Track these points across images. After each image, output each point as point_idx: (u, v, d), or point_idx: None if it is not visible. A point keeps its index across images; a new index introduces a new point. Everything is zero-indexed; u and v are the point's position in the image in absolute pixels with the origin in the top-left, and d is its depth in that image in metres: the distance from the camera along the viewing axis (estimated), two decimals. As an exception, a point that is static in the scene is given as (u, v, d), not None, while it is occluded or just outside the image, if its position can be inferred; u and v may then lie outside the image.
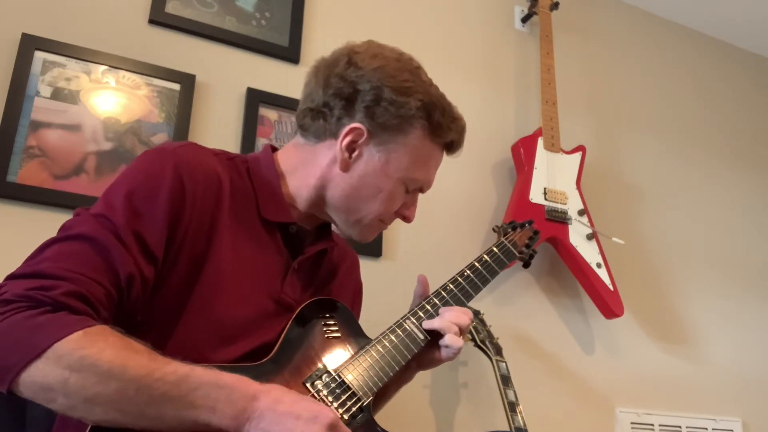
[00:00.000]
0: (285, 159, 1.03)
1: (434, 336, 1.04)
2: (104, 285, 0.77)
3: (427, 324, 1.04)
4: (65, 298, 0.73)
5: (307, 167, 1.01)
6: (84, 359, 0.68)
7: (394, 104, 0.96)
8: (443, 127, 1.01)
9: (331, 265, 1.11)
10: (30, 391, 0.69)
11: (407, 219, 1.07)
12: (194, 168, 0.89)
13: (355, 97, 0.97)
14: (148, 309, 0.84)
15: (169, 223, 0.84)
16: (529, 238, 1.32)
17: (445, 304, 1.09)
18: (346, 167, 0.98)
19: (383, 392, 1.11)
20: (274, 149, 1.07)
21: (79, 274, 0.75)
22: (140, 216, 0.82)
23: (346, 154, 0.98)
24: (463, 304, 1.11)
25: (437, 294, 1.10)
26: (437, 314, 1.07)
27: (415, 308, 1.07)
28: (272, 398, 0.75)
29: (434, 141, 1.02)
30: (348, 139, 0.97)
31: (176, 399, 0.71)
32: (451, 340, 1.02)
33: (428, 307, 1.08)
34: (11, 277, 0.75)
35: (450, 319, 1.04)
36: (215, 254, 0.89)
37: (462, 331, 1.04)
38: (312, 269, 1.06)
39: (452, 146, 1.05)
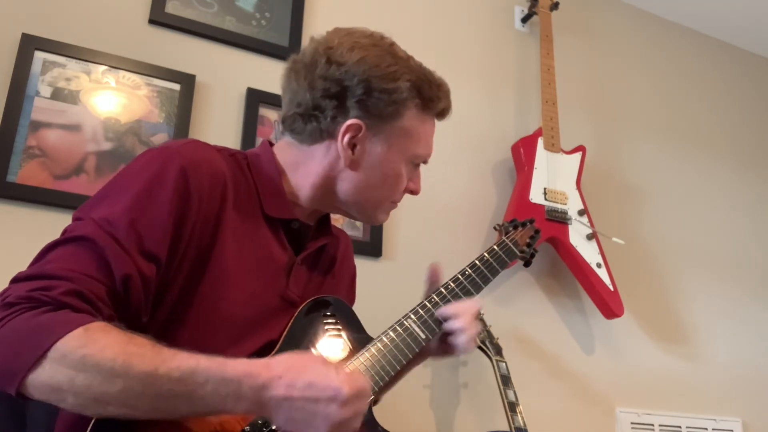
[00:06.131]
0: (283, 156, 1.03)
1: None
2: (104, 283, 0.77)
3: (448, 323, 1.07)
4: (65, 296, 0.72)
5: (307, 166, 1.01)
6: (86, 358, 0.68)
7: (385, 92, 0.96)
8: (434, 99, 1.02)
9: (330, 256, 1.11)
10: (39, 393, 0.69)
11: (415, 192, 1.09)
12: (200, 166, 0.88)
13: (344, 94, 0.96)
14: (155, 309, 0.84)
15: (174, 222, 0.84)
16: (530, 237, 1.32)
17: (447, 302, 1.09)
18: (352, 164, 0.99)
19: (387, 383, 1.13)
20: (272, 144, 1.06)
21: (78, 273, 0.75)
22: (142, 216, 0.82)
23: (349, 152, 0.98)
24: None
25: (438, 293, 1.10)
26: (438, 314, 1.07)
27: (416, 307, 1.07)
28: (285, 384, 0.73)
29: (427, 114, 1.03)
30: (347, 136, 0.97)
31: (184, 395, 0.71)
32: (467, 345, 1.07)
33: (429, 305, 1.08)
34: (15, 281, 0.75)
35: (467, 322, 1.07)
36: (219, 252, 0.89)
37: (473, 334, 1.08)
38: (313, 263, 1.06)
39: (444, 113, 1.07)
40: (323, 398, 0.73)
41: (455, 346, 1.08)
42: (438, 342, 1.11)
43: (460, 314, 1.07)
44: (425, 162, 1.08)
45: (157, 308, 0.84)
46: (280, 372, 0.74)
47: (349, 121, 0.96)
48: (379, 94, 0.96)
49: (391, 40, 1.02)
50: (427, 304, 1.08)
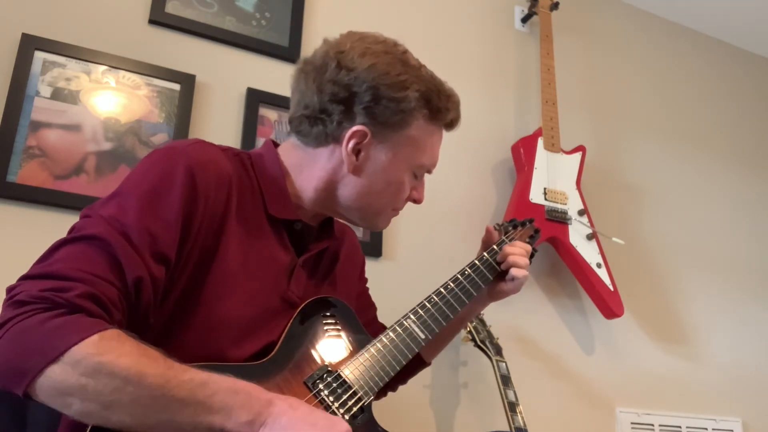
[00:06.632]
0: (287, 157, 1.03)
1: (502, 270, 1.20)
2: (117, 286, 0.77)
3: (507, 261, 1.18)
4: (80, 299, 0.72)
5: (310, 169, 1.01)
6: (101, 365, 0.68)
7: (393, 101, 0.96)
8: (442, 110, 1.02)
9: (332, 258, 1.11)
10: (46, 396, 0.69)
11: (418, 201, 1.09)
12: (207, 167, 0.89)
13: (352, 100, 0.96)
14: (160, 310, 0.84)
15: (182, 223, 0.84)
16: (530, 237, 1.32)
17: (446, 302, 1.09)
18: (355, 170, 0.99)
19: (440, 338, 1.22)
20: (276, 144, 1.06)
21: (92, 275, 0.75)
22: (152, 217, 0.82)
23: (353, 158, 0.98)
24: (463, 304, 1.12)
25: (438, 293, 1.10)
26: (437, 314, 1.07)
27: (416, 307, 1.08)
28: (288, 404, 0.76)
29: (435, 125, 1.03)
30: (352, 142, 0.97)
31: (192, 405, 0.71)
32: (516, 272, 1.17)
33: (429, 306, 1.08)
34: (24, 278, 0.75)
35: (515, 253, 1.18)
36: (223, 252, 0.89)
37: (524, 266, 1.18)
38: (316, 265, 1.06)
39: (452, 124, 1.06)
40: (321, 425, 0.75)
41: (513, 278, 1.17)
42: (493, 286, 1.20)
43: (514, 252, 1.18)
44: (429, 172, 1.08)
45: (160, 308, 0.84)
46: (285, 396, 0.78)
47: (355, 127, 0.96)
48: (387, 102, 0.95)
49: (404, 47, 1.01)
50: (427, 304, 1.08)
